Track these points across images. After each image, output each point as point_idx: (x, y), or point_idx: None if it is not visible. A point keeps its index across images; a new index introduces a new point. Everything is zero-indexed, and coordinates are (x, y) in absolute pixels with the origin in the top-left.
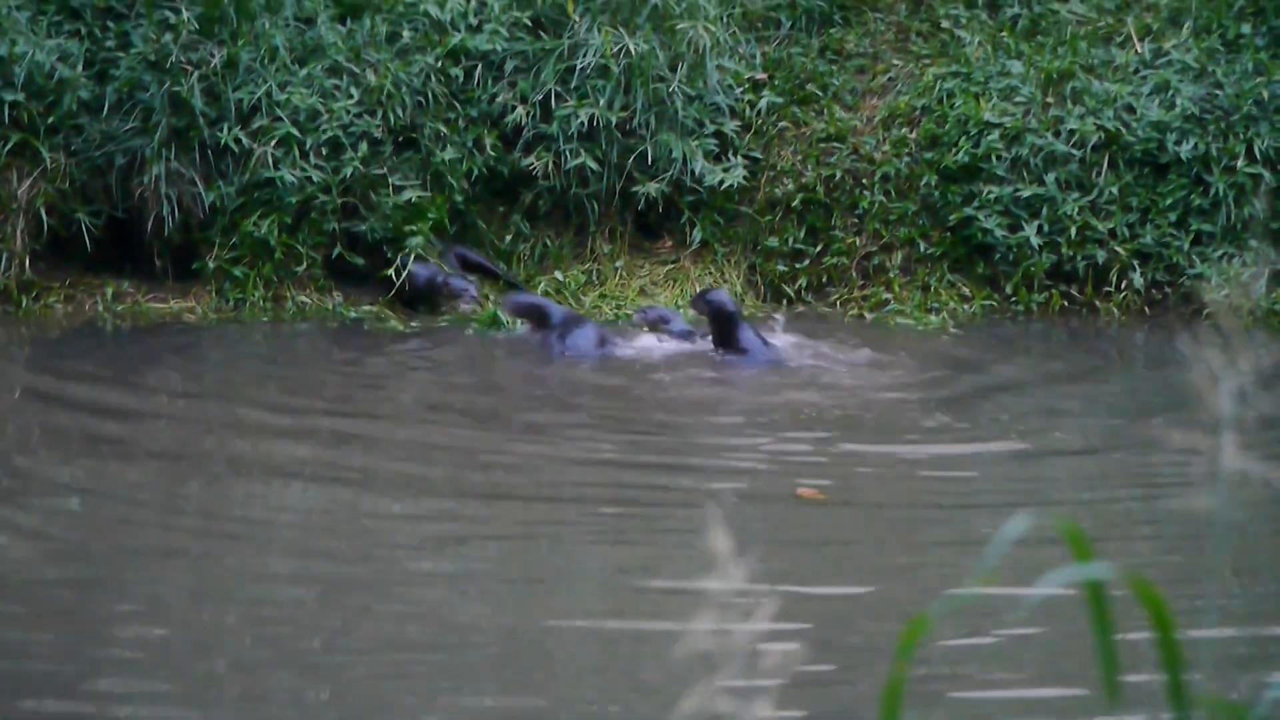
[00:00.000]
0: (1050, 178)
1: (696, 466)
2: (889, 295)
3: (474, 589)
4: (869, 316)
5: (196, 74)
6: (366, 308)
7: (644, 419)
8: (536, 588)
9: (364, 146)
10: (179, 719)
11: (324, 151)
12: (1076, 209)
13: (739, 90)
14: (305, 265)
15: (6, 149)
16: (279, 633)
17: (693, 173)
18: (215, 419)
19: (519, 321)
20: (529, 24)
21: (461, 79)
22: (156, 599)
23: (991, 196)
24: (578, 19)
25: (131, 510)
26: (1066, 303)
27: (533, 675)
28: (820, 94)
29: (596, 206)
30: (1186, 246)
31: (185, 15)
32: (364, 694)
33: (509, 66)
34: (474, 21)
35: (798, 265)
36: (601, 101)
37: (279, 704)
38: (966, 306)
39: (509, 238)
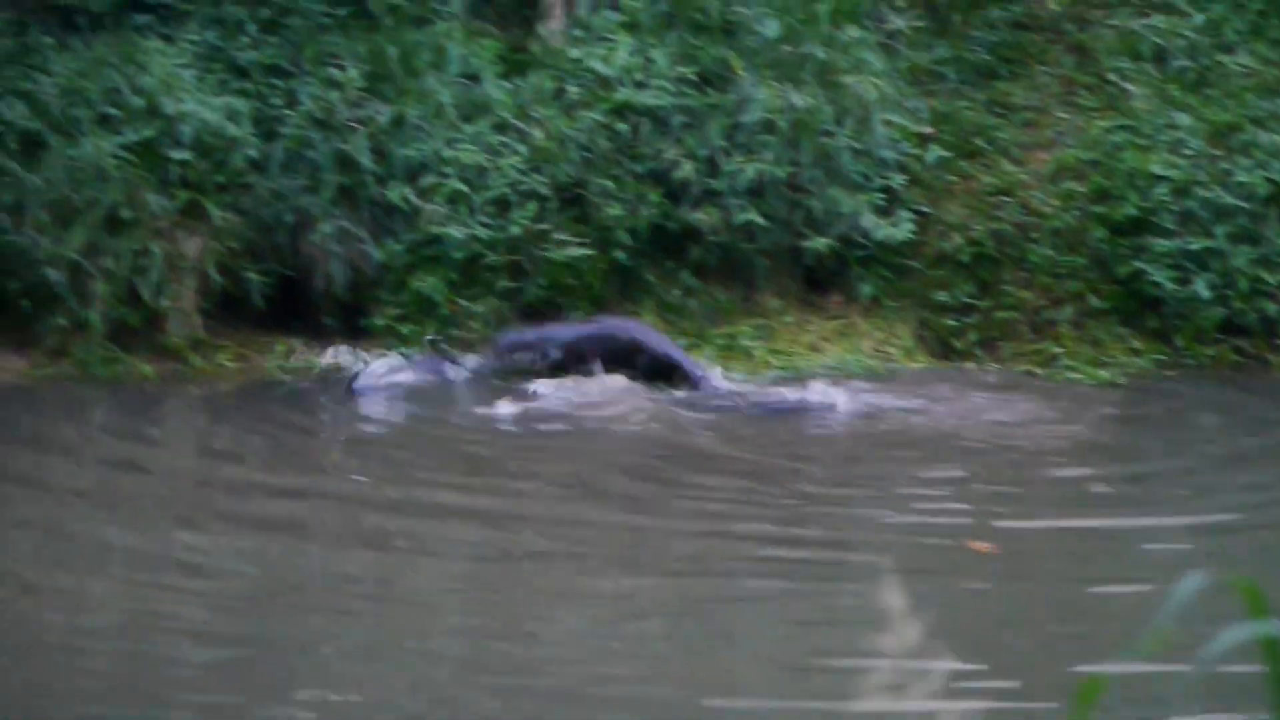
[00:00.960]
0: (1219, 230)
1: (859, 525)
2: (1059, 349)
3: (639, 663)
4: (1039, 371)
5: (364, 131)
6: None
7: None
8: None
9: (531, 203)
10: None
11: (491, 208)
12: (1246, 261)
13: (905, 144)
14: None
15: (176, 208)
16: (450, 695)
17: (861, 228)
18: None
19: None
20: (695, 79)
21: (628, 135)
22: (328, 662)
23: (1161, 249)
24: (743, 74)
25: (302, 576)
26: (1237, 356)
27: None
28: (987, 147)
29: (765, 262)
30: None
31: (352, 73)
32: None
33: (675, 122)
34: (640, 77)
35: (967, 320)
36: (768, 157)
37: None
38: (1136, 360)
39: (677, 293)
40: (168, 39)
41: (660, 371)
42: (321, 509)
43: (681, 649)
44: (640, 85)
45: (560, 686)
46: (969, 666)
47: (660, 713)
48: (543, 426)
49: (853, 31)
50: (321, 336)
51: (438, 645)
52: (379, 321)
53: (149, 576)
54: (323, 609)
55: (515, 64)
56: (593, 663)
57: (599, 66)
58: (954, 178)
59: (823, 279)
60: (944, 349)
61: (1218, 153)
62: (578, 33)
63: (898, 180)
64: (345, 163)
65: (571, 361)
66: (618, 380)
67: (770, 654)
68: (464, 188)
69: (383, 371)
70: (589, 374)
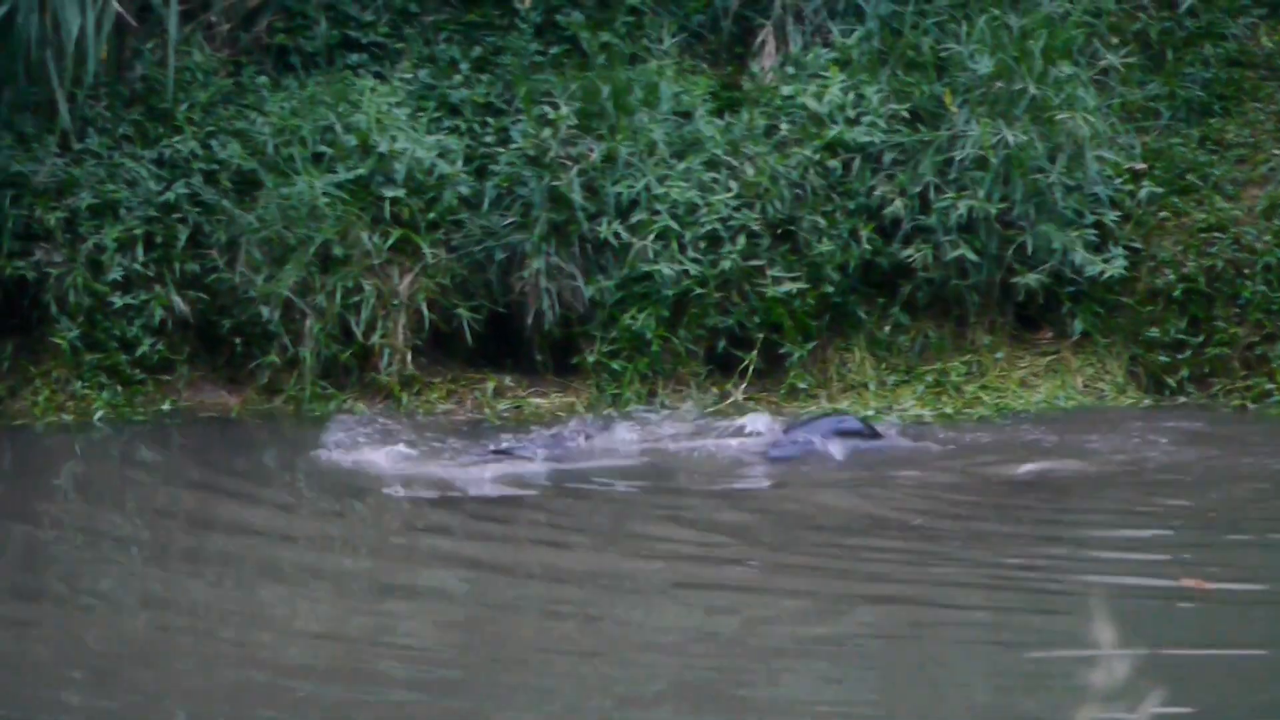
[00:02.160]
0: None
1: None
2: (1272, 385)
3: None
4: (1252, 407)
5: (575, 169)
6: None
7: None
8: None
9: (742, 239)
10: None
11: (702, 244)
12: None
13: (1118, 181)
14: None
15: (388, 245)
16: None
17: (1072, 263)
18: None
19: None
20: (907, 116)
21: (839, 171)
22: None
23: None
24: (955, 111)
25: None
26: None
27: None
28: (1200, 184)
29: (976, 298)
30: None
31: (564, 110)
32: None
33: (887, 159)
34: (852, 114)
35: (1179, 356)
36: (980, 193)
37: None
38: None
39: (888, 329)
40: (381, 77)
41: None
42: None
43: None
44: (852, 122)
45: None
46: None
47: None
48: None
49: (1065, 68)
50: (532, 374)
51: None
52: (590, 358)
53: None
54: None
55: (727, 101)
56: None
57: (811, 103)
58: (1166, 214)
59: (1034, 315)
60: (1156, 385)
61: None
62: (790, 70)
63: (1110, 216)
64: (557, 199)
65: None
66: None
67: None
68: (675, 225)
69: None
70: None
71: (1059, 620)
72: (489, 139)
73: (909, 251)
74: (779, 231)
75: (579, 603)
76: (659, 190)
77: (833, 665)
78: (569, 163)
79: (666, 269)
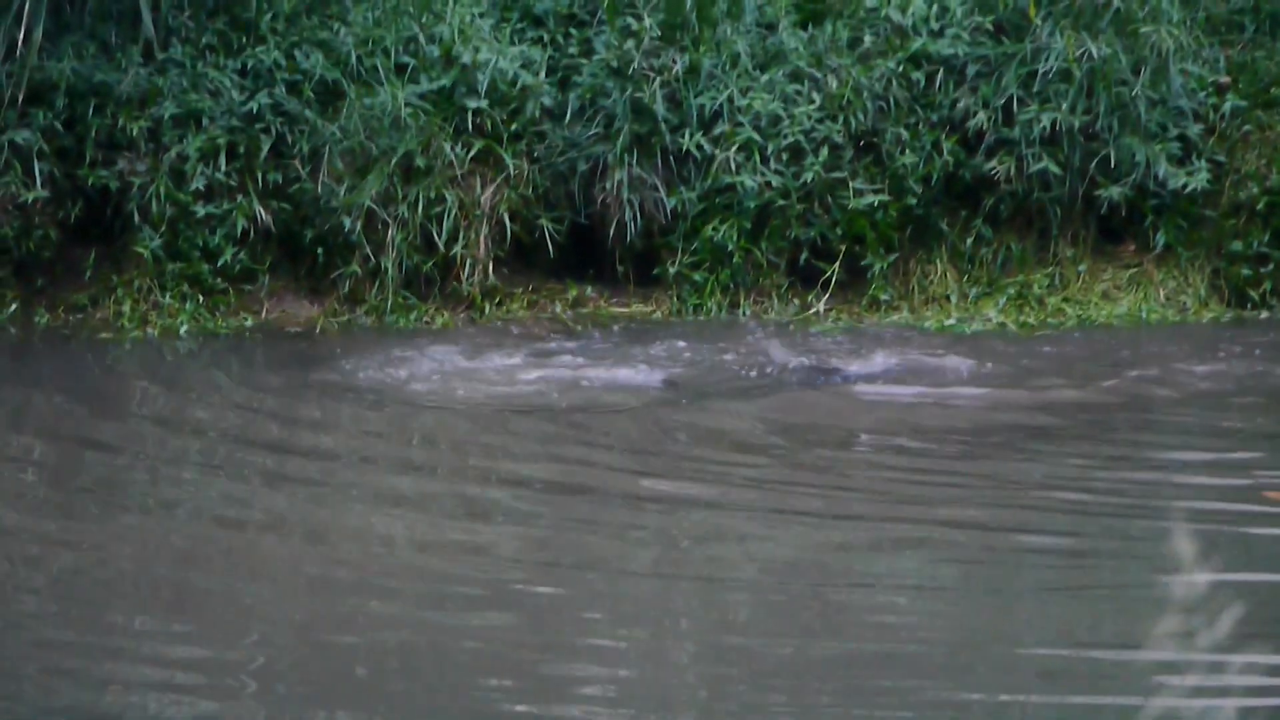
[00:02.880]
0: None
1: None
2: None
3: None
4: None
5: (658, 80)
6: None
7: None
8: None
9: (824, 151)
10: None
11: (784, 156)
12: None
13: (1202, 94)
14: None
15: (470, 156)
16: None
17: (1156, 176)
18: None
19: None
20: (990, 28)
21: (923, 84)
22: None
23: None
24: (1039, 23)
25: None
26: None
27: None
28: None
29: (1059, 211)
30: None
31: (647, 22)
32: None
33: (970, 71)
34: (935, 26)
35: (1262, 269)
36: (1064, 106)
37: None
38: None
39: (970, 241)
40: None
41: None
42: None
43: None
44: (936, 34)
45: None
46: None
47: None
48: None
49: None
50: (613, 284)
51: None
52: (671, 269)
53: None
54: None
55: (811, 13)
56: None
57: (895, 15)
58: (1250, 127)
59: (1117, 228)
60: (1239, 298)
61: None
62: None
63: (1194, 130)
64: (640, 111)
65: None
66: None
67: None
68: (757, 136)
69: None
70: None
71: (1139, 546)
72: (572, 50)
73: (991, 164)
74: (861, 144)
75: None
76: (742, 102)
77: (909, 592)
78: (652, 74)
79: (749, 180)
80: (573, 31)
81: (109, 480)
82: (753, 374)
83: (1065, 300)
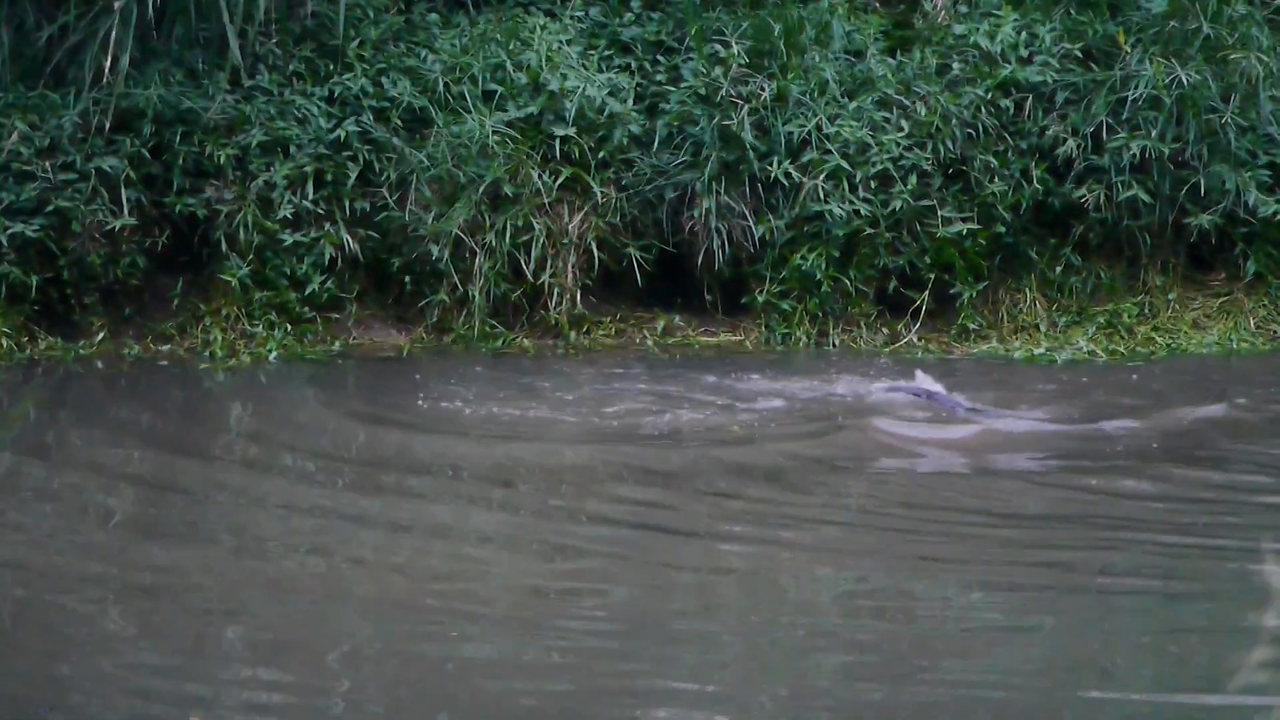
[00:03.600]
0: None
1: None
2: None
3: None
4: None
5: (746, 107)
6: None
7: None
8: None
9: (913, 179)
10: None
11: (873, 184)
12: None
13: None
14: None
15: (558, 184)
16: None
17: (1246, 204)
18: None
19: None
20: (1079, 55)
21: (1011, 111)
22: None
23: None
24: (1129, 50)
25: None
26: None
27: None
28: None
29: (1148, 239)
30: None
31: (735, 49)
32: None
33: (1059, 98)
34: (1024, 53)
35: None
36: (1153, 133)
37: None
38: None
39: (1059, 269)
40: (552, 15)
41: None
42: None
43: None
44: (1025, 61)
45: None
46: None
47: None
48: None
49: (1239, 7)
50: (701, 313)
51: None
52: (759, 298)
53: None
54: None
55: (899, 40)
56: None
57: (983, 42)
58: None
59: (1206, 256)
60: None
61: None
62: (962, 8)
63: None
64: (727, 139)
65: None
66: None
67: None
68: (845, 164)
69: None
70: None
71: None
72: (660, 77)
73: (1081, 191)
74: (950, 171)
75: None
76: (830, 129)
77: (1002, 623)
78: (740, 101)
79: (837, 208)
80: (660, 59)
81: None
82: None
83: (1155, 329)
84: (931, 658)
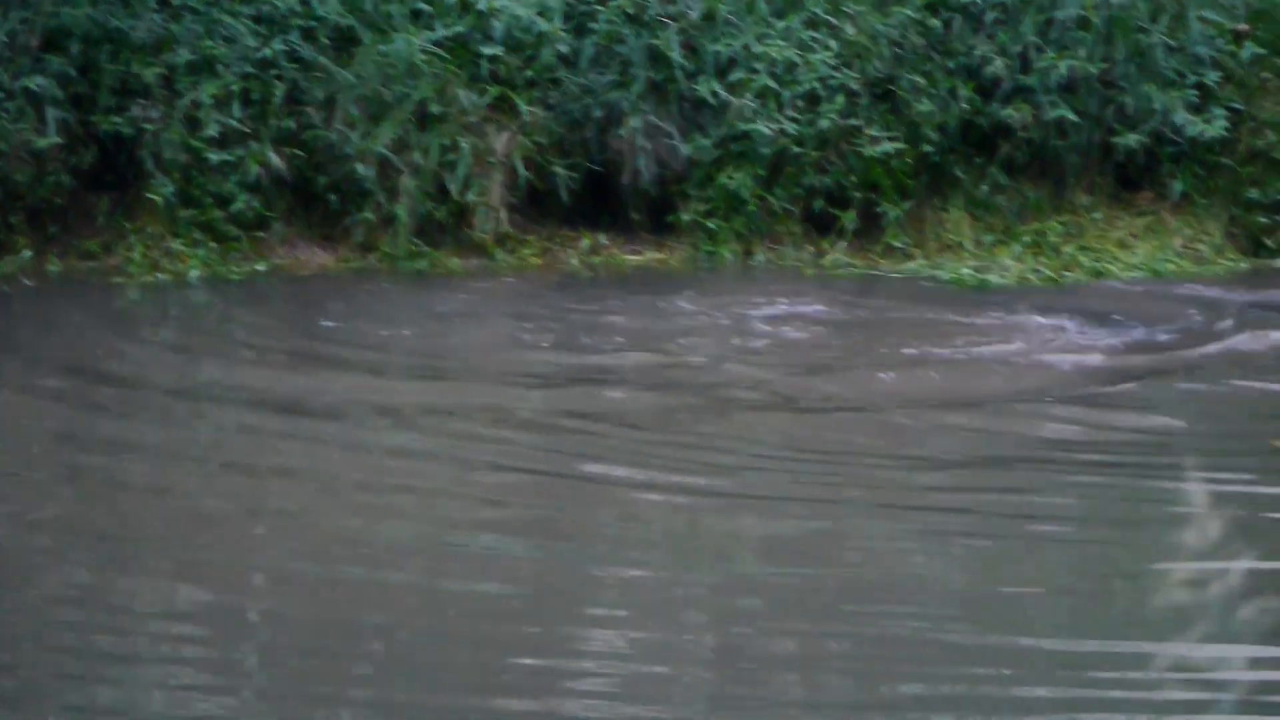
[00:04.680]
0: None
1: None
2: None
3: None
4: None
5: (675, 27)
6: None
7: None
8: None
9: (840, 98)
10: None
11: (800, 104)
12: None
13: (1220, 41)
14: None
15: (485, 103)
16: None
17: (1173, 124)
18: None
19: None
20: None
21: (940, 30)
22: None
23: None
24: None
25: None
26: None
27: None
28: None
29: (1075, 159)
30: None
31: None
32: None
33: (988, 18)
34: None
35: (1278, 217)
36: (1082, 53)
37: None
38: None
39: (986, 189)
40: None
41: None
42: None
43: None
44: None
45: None
46: None
47: None
48: None
49: None
50: (627, 232)
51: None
52: (685, 217)
53: None
54: None
55: None
56: None
57: None
58: (1269, 74)
59: (1133, 176)
60: (1254, 246)
61: None
62: None
63: (1211, 77)
64: (655, 58)
65: None
66: None
67: None
68: (773, 83)
69: None
70: None
71: None
72: None
73: (1008, 111)
74: (878, 91)
75: None
76: (758, 49)
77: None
78: (668, 20)
79: (764, 128)
80: None
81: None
82: None
83: (1081, 249)
84: (854, 602)
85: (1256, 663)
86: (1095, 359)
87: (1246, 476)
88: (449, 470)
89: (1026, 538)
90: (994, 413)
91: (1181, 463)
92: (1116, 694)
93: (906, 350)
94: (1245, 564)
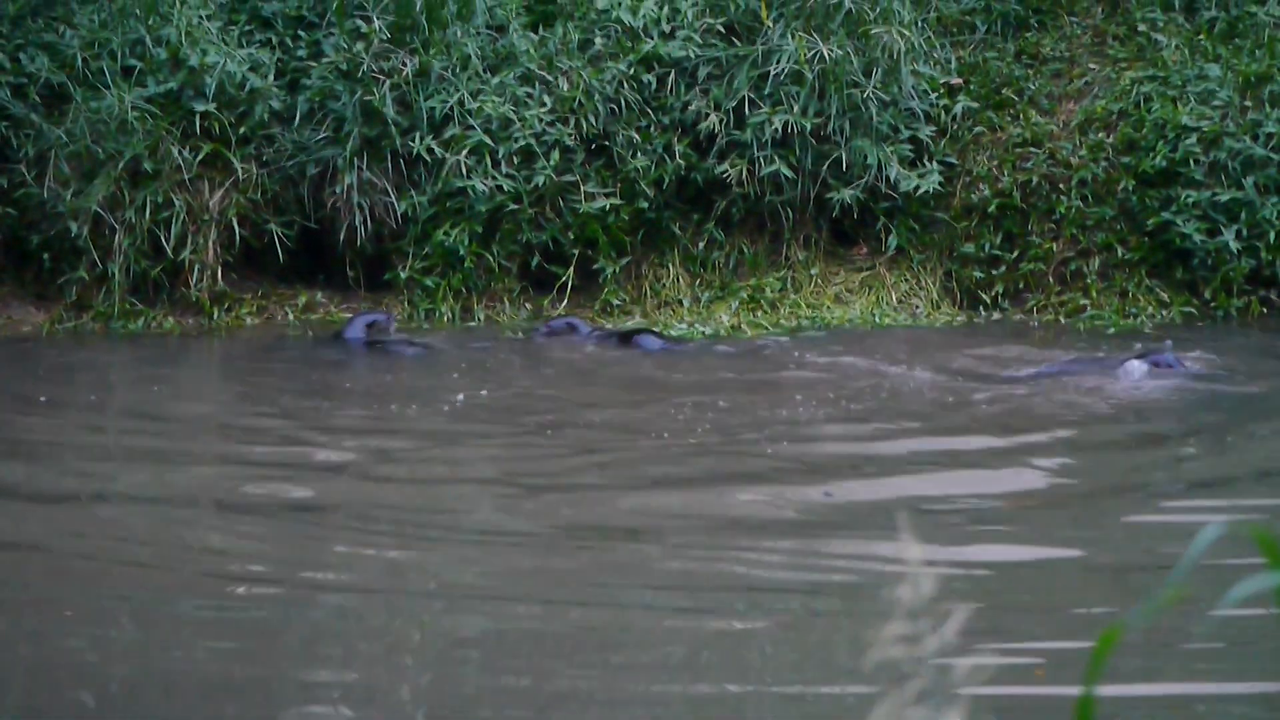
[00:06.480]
0: (1249, 182)
1: None
2: (1086, 301)
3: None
4: (1065, 321)
5: (388, 83)
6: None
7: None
8: None
9: (556, 154)
10: None
11: (516, 160)
12: (1276, 213)
13: (934, 95)
14: (498, 276)
15: (198, 160)
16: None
17: (888, 179)
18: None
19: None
20: (722, 30)
21: (654, 86)
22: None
23: (1190, 201)
24: (771, 25)
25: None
26: (1265, 309)
27: None
28: (1016, 99)
29: (791, 213)
30: None
31: (377, 24)
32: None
33: (702, 73)
34: (667, 28)
35: (994, 271)
36: (795, 108)
37: None
38: (1165, 312)
39: (702, 245)
40: None
41: None
42: None
43: None
44: (667, 36)
45: None
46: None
47: None
48: None
49: None
50: (344, 289)
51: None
52: (402, 274)
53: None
54: None
55: (541, 15)
56: None
57: (626, 17)
58: (982, 129)
59: (849, 230)
60: (970, 300)
61: (1248, 104)
62: None
63: (925, 131)
64: (369, 114)
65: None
66: None
67: None
68: (488, 140)
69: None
70: None
71: None
72: (301, 53)
73: (723, 167)
74: (593, 147)
75: None
76: (472, 105)
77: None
78: (382, 77)
79: (480, 185)
80: (301, 34)
81: None
82: None
83: (797, 305)
84: None
85: None
86: None
87: None
88: None
89: None
90: None
91: None
92: None
93: None
94: None
